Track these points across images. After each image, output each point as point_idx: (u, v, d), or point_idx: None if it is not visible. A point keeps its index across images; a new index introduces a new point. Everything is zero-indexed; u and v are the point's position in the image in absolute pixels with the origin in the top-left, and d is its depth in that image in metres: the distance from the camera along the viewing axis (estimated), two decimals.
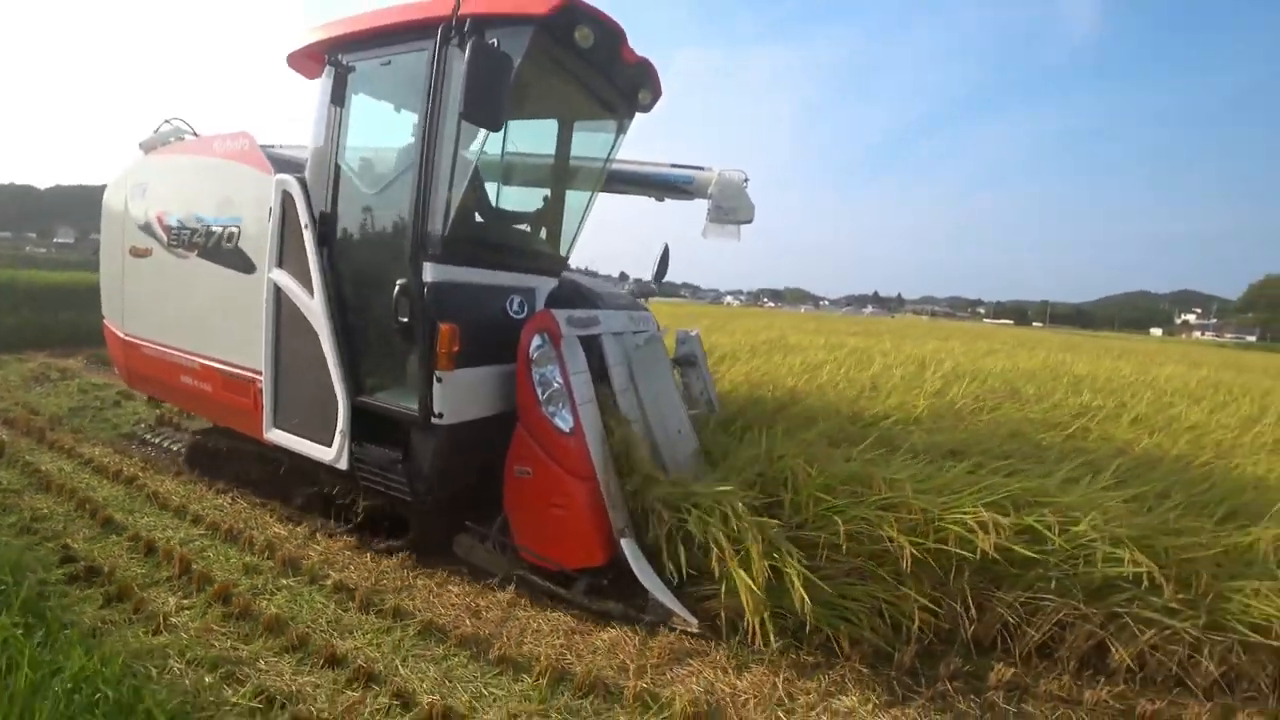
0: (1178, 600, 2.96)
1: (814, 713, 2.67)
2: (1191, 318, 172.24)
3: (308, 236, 3.58)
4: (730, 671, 2.90)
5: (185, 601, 3.11)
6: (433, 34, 3.15)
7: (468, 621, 3.17)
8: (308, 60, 3.84)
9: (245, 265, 3.98)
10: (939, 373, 8.15)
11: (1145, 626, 2.92)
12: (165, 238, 4.54)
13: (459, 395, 3.32)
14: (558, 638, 3.10)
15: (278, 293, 3.77)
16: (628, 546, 3.29)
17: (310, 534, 3.97)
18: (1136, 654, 2.94)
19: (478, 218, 3.95)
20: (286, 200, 3.69)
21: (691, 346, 5.46)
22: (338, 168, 3.56)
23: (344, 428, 3.54)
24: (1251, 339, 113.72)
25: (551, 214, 4.38)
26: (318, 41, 3.65)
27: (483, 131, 3.12)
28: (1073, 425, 5.41)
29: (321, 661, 2.71)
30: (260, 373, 3.90)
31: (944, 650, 3.10)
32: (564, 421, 3.40)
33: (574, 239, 4.48)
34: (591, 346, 3.90)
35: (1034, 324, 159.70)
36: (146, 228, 4.71)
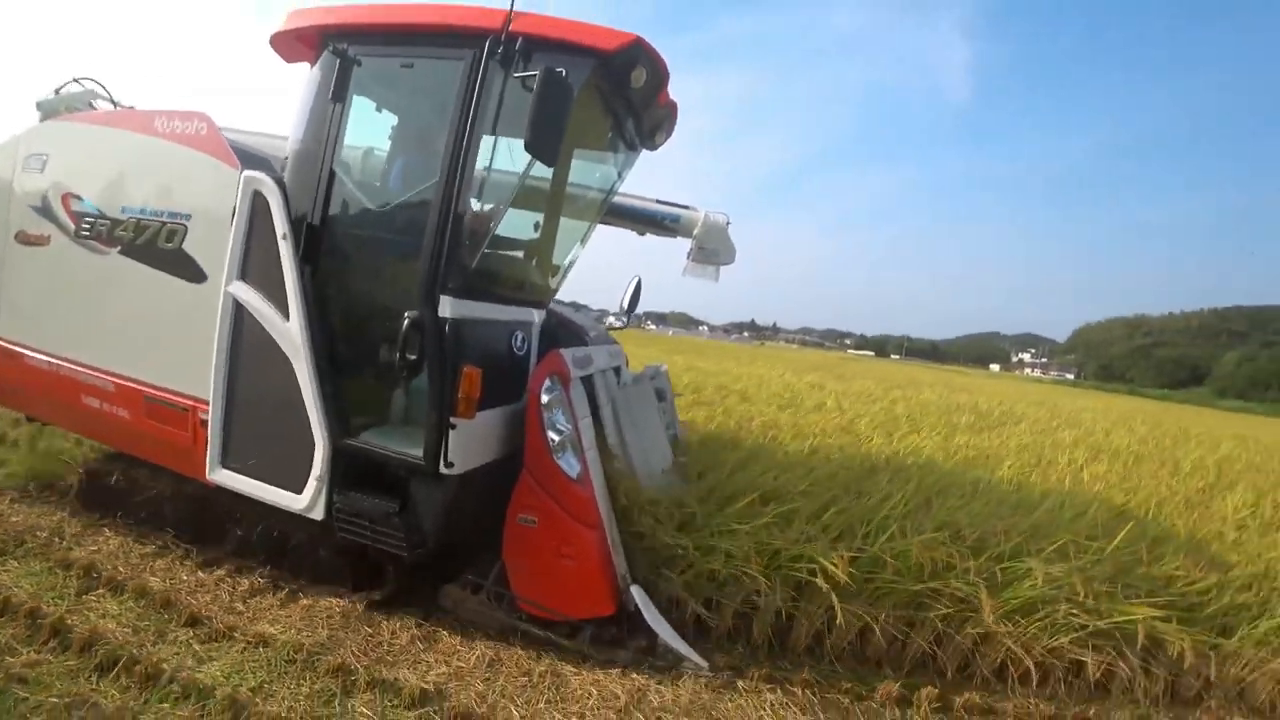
0: None
1: None
2: (1026, 356, 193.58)
3: (285, 249, 3.07)
4: None
5: None
6: (475, 44, 2.81)
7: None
8: (296, 43, 3.31)
9: (191, 272, 3.36)
10: None
11: None
12: (73, 225, 3.76)
13: (471, 442, 2.99)
14: None
15: (238, 310, 3.20)
16: (638, 594, 3.21)
17: None
18: None
19: (489, 246, 3.62)
20: (258, 203, 3.14)
21: (660, 381, 5.35)
22: (332, 174, 3.09)
23: (321, 473, 3.05)
24: (1070, 376, 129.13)
25: (549, 243, 4.08)
26: (320, 25, 3.15)
27: (519, 156, 2.81)
28: None
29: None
30: (205, 401, 3.28)
31: None
32: (572, 468, 3.20)
33: (567, 271, 4.21)
34: (585, 386, 3.70)
35: (892, 356, 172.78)
36: (44, 210, 3.89)
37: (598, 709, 2.78)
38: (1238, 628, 3.49)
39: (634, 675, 3.02)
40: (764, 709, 2.89)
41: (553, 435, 3.19)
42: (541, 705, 2.76)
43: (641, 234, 5.21)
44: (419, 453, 2.92)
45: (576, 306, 5.77)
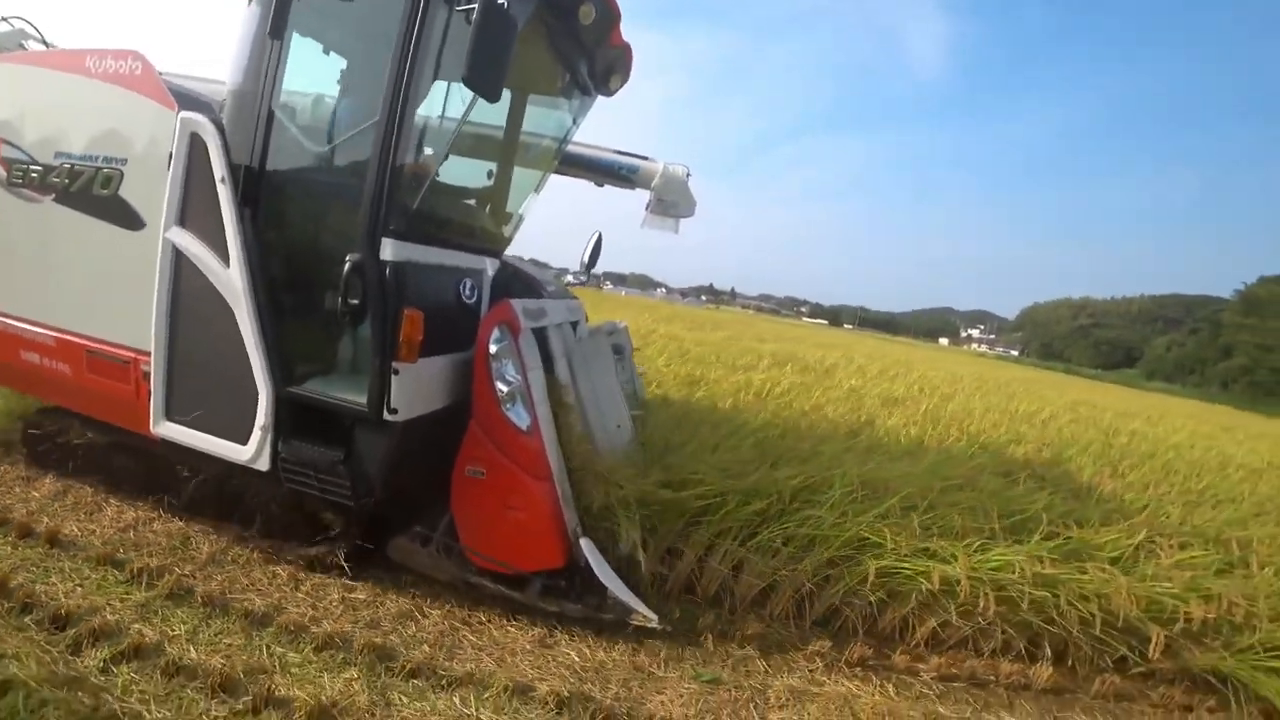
0: None
1: None
2: (975, 332, 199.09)
3: (224, 193, 2.99)
4: None
5: None
6: None
7: None
8: None
9: (129, 219, 3.25)
10: None
11: None
12: (4, 173, 3.57)
13: (415, 388, 2.98)
14: None
15: (177, 258, 3.11)
16: (587, 546, 3.21)
17: None
18: None
19: (435, 190, 3.59)
20: (196, 146, 3.03)
21: (620, 338, 5.35)
22: (271, 114, 3.01)
23: (266, 422, 3.02)
24: (1014, 353, 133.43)
25: (501, 191, 4.05)
26: None
27: (465, 96, 2.79)
28: None
29: None
30: (147, 353, 3.21)
31: None
32: (521, 420, 3.19)
33: (520, 220, 4.19)
34: (538, 338, 3.68)
35: (845, 326, 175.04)
36: None
37: (119, 530, 3.48)
38: (758, 535, 3.66)
39: (180, 522, 3.61)
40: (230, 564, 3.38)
41: (501, 386, 3.17)
42: (94, 526, 3.47)
43: (600, 185, 5.13)
44: (362, 399, 2.91)
45: (538, 264, 5.72)
